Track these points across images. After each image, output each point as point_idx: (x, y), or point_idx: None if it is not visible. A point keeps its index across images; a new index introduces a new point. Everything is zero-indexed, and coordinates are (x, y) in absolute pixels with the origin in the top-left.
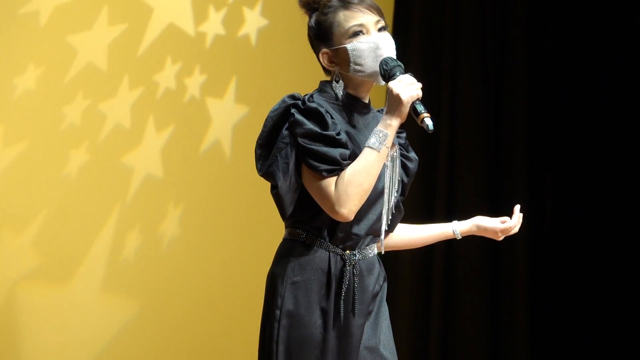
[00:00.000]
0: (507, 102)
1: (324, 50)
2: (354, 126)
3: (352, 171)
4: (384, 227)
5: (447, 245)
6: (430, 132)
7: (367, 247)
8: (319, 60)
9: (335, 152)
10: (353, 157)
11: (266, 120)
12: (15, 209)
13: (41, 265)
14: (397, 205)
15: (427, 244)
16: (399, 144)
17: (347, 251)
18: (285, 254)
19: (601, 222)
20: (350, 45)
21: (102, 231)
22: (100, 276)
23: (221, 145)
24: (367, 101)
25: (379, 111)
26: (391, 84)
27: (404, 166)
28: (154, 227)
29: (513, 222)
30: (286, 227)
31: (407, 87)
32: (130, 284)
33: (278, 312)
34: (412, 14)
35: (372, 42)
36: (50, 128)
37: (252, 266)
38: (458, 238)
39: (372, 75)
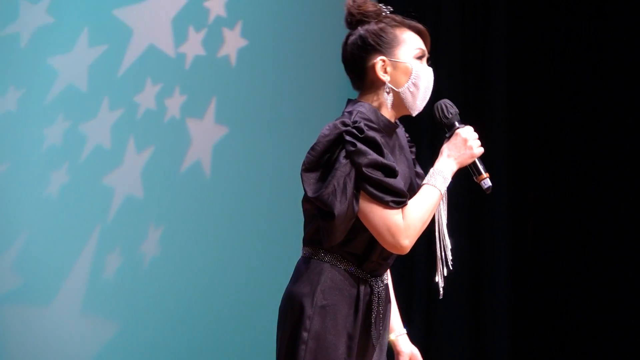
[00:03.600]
0: (488, 121)
1: (382, 57)
2: (391, 150)
3: (419, 207)
4: (440, 267)
5: (428, 260)
6: (487, 192)
7: (385, 274)
8: (371, 67)
9: (400, 183)
10: None
11: (316, 144)
12: None
13: (22, 287)
14: None
15: None
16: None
17: (373, 278)
18: (311, 275)
19: (582, 239)
20: (416, 65)
21: (82, 252)
22: (80, 297)
23: (201, 165)
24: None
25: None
26: (465, 133)
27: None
28: (134, 248)
29: None
30: (307, 245)
31: (476, 141)
32: (111, 305)
33: (306, 334)
34: None
35: (430, 74)
36: (31, 150)
37: (232, 286)
38: (391, 338)
39: (414, 102)
